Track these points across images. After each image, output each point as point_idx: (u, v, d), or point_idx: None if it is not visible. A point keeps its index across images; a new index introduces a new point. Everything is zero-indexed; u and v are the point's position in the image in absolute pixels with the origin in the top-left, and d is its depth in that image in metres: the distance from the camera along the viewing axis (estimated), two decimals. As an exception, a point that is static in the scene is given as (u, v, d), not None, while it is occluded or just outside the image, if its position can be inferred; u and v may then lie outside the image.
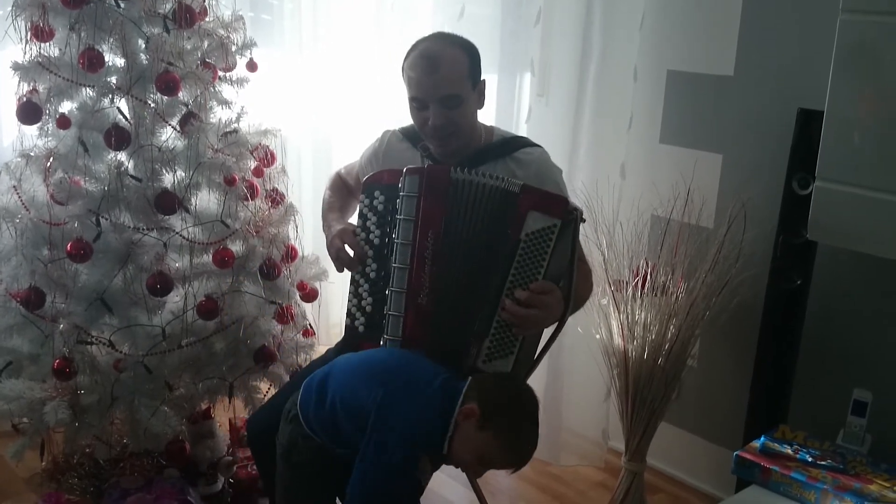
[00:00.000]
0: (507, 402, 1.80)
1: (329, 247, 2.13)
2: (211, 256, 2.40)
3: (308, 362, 2.64)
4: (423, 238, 1.94)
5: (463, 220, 1.95)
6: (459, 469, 1.94)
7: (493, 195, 1.95)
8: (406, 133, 2.23)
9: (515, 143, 2.18)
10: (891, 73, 1.97)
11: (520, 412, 1.81)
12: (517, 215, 1.92)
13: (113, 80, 2.32)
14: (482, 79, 2.11)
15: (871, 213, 2.05)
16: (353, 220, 2.16)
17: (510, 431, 1.78)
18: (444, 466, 2.02)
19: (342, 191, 2.39)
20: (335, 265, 2.11)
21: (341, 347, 2.17)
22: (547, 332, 2.08)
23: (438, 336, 1.96)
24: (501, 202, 1.94)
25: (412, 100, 2.06)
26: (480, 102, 2.13)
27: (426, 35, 2.12)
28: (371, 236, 2.04)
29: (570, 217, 1.92)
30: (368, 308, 2.03)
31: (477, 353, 1.94)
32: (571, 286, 1.99)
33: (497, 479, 2.94)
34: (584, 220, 1.99)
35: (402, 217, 1.96)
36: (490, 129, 2.21)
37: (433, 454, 1.83)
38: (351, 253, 2.07)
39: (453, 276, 1.95)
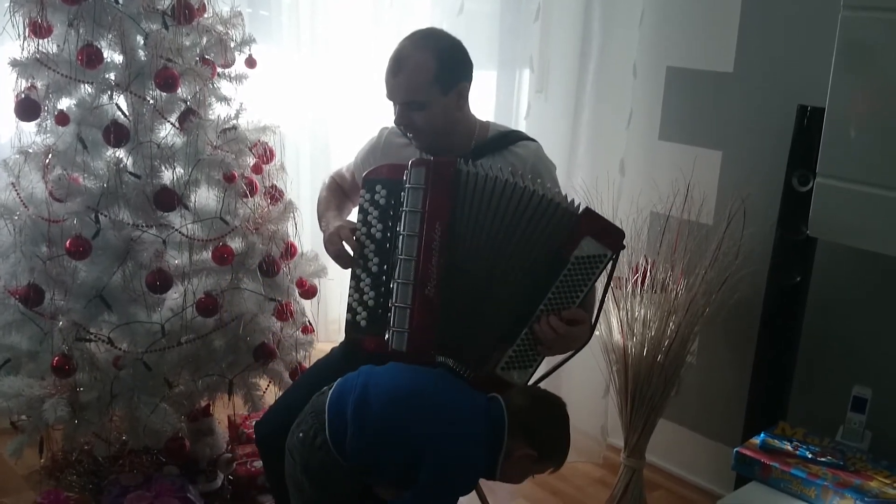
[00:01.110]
0: (557, 434, 1.85)
1: (327, 243, 2.12)
2: (210, 253, 2.40)
3: (307, 359, 2.65)
4: (430, 229, 1.93)
5: (474, 214, 1.94)
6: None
7: (537, 204, 1.92)
8: None
9: (512, 137, 2.20)
10: (892, 70, 1.97)
11: (567, 436, 1.87)
12: (572, 236, 1.90)
13: (112, 76, 2.32)
14: (462, 81, 2.09)
15: (871, 209, 2.05)
16: (352, 217, 2.16)
17: (563, 455, 1.86)
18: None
19: (338, 192, 2.39)
20: (337, 263, 2.10)
21: (345, 347, 2.17)
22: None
23: (446, 328, 1.95)
24: (557, 217, 1.92)
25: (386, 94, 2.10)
26: (459, 103, 2.12)
27: (416, 30, 2.12)
28: (373, 230, 2.03)
29: (620, 250, 1.93)
30: (370, 302, 2.03)
31: (498, 360, 1.94)
32: (599, 317, 2.03)
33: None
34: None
35: (407, 209, 1.95)
36: (486, 125, 2.22)
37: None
38: (350, 250, 2.07)
39: (464, 268, 1.95)
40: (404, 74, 2.02)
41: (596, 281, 1.94)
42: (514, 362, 1.95)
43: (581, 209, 1.94)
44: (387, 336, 1.96)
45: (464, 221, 1.94)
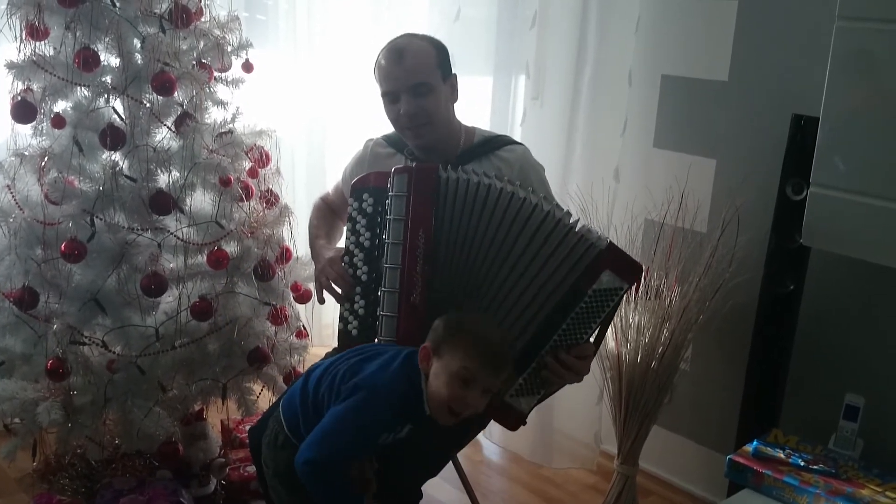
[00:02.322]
0: (447, 320, 1.78)
1: (317, 279, 2.17)
2: (205, 257, 2.40)
3: (301, 364, 2.65)
4: (413, 237, 1.94)
5: (465, 221, 1.94)
6: (451, 422, 1.80)
7: (541, 221, 1.90)
8: (389, 140, 2.27)
9: (498, 142, 2.22)
10: (887, 80, 1.98)
11: (461, 320, 1.78)
12: (591, 268, 1.89)
13: (108, 79, 2.32)
14: (453, 73, 2.16)
15: (865, 219, 2.06)
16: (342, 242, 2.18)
17: (463, 335, 1.74)
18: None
19: (327, 216, 2.40)
20: (317, 297, 2.13)
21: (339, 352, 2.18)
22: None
23: None
24: (569, 243, 1.90)
25: (384, 95, 2.12)
26: (454, 96, 2.18)
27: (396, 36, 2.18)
28: (361, 239, 2.04)
29: (636, 283, 1.93)
30: (361, 311, 2.04)
31: (508, 387, 1.94)
32: (600, 347, 2.04)
33: (489, 482, 2.95)
34: None
35: (391, 217, 1.96)
36: (471, 130, 2.25)
37: (417, 417, 1.79)
38: (339, 290, 2.09)
39: (450, 274, 1.95)
40: (410, 58, 2.07)
41: (609, 314, 1.93)
42: (524, 390, 1.96)
43: (605, 243, 1.90)
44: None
45: (449, 228, 1.95)
